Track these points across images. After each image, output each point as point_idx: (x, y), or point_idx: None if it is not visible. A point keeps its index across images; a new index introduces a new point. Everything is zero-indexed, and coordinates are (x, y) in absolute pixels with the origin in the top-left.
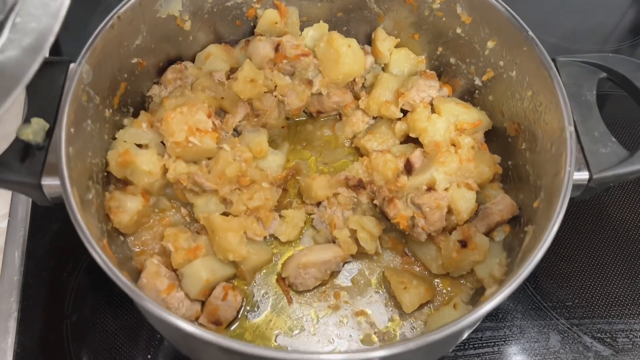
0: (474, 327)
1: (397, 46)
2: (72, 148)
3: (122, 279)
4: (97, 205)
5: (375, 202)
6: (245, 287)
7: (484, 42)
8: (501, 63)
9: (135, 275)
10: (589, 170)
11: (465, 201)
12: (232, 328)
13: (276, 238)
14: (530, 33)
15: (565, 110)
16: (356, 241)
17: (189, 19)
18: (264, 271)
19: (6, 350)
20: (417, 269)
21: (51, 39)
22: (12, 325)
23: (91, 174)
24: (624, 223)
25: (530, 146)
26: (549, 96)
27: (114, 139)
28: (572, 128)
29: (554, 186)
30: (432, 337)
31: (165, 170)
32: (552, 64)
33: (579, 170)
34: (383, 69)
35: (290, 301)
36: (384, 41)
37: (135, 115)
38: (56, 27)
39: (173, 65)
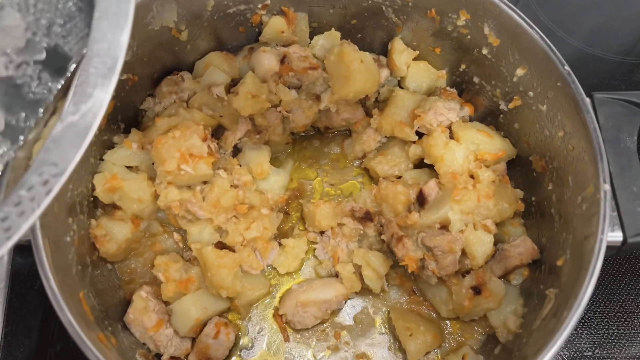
0: None
1: (415, 59)
2: None
3: (90, 348)
4: (78, 241)
5: (383, 237)
6: (240, 322)
7: (512, 68)
8: (531, 94)
9: (123, 305)
10: (624, 232)
11: (481, 245)
12: None
13: (275, 268)
14: (567, 67)
15: (602, 166)
16: (360, 277)
17: (185, 29)
18: (261, 305)
19: None
20: (425, 310)
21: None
22: None
23: (73, 206)
24: None
25: (557, 189)
26: (583, 143)
27: (102, 160)
28: (608, 187)
29: (583, 251)
30: None
31: (156, 195)
32: (589, 106)
33: (612, 230)
34: (399, 83)
35: (287, 339)
36: (402, 53)
37: (127, 130)
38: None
39: (169, 77)
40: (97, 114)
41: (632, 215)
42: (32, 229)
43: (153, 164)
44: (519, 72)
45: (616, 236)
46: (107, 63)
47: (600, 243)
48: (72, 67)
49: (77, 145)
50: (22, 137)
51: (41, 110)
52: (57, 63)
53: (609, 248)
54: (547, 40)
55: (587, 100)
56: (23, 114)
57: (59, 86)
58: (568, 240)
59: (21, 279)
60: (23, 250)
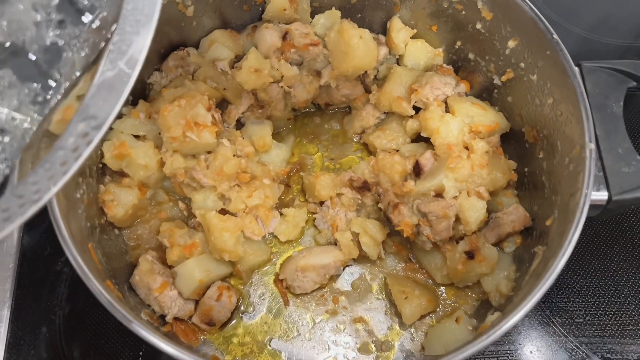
0: None
1: (413, 37)
2: None
3: (99, 289)
4: (87, 201)
5: (380, 205)
6: (241, 287)
7: (505, 41)
8: (522, 65)
9: (129, 269)
10: (609, 191)
11: (474, 211)
12: (226, 329)
13: (276, 237)
14: (555, 36)
15: (587, 126)
16: (358, 245)
17: (191, 4)
18: (262, 271)
19: None
20: (421, 277)
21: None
22: (6, 314)
23: (82, 168)
24: None
25: (547, 156)
26: (571, 107)
27: (111, 129)
28: (593, 146)
29: (568, 207)
30: None
31: (162, 163)
32: (577, 72)
33: (597, 189)
34: (397, 61)
35: (287, 304)
36: (400, 32)
37: (135, 103)
38: (149, 40)
39: (175, 52)
40: (133, 70)
41: (617, 175)
42: None
43: (159, 133)
44: (511, 44)
45: (602, 195)
46: (141, 21)
47: (584, 197)
48: (112, 27)
49: (114, 99)
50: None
51: (77, 72)
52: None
53: (596, 207)
54: (536, 11)
55: (575, 68)
56: (58, 75)
57: (98, 45)
58: (557, 201)
59: (31, 245)
60: (34, 220)
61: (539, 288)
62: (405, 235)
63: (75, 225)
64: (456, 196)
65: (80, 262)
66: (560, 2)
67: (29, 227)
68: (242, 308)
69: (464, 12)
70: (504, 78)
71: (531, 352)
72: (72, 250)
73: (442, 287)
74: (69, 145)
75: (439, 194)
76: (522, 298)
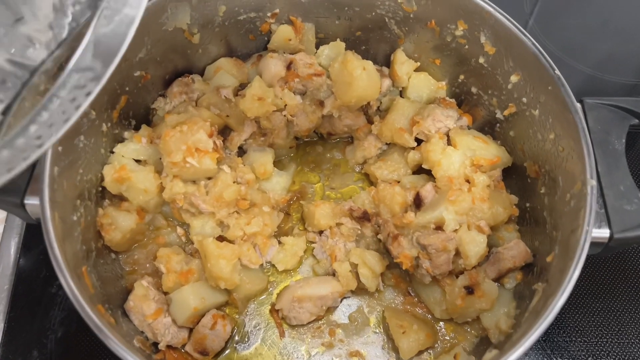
0: None
1: (416, 70)
2: (57, 167)
3: (89, 314)
4: (84, 225)
5: (379, 236)
6: (237, 316)
7: (507, 75)
8: (524, 99)
9: (124, 294)
10: (610, 229)
11: (475, 245)
12: (219, 358)
13: (273, 265)
14: (557, 72)
15: (589, 162)
16: (357, 276)
17: (197, 32)
18: (258, 300)
19: None
20: (420, 311)
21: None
22: None
23: (82, 191)
24: None
25: (549, 192)
26: (572, 143)
27: (112, 152)
28: (594, 182)
29: (569, 244)
30: None
31: (162, 188)
32: (578, 108)
33: (599, 227)
34: (401, 93)
35: (282, 335)
36: (403, 64)
37: (138, 128)
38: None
39: (180, 79)
40: (130, 26)
41: (618, 213)
42: (41, 201)
43: (160, 158)
44: (513, 78)
45: (603, 232)
46: None
47: (585, 234)
48: None
49: (112, 53)
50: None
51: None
52: None
53: (597, 244)
54: (539, 46)
55: (578, 104)
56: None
57: None
58: (557, 237)
59: (27, 267)
60: (31, 242)
61: (538, 325)
62: (404, 268)
63: (70, 248)
64: (456, 229)
65: (72, 286)
66: (564, 40)
67: (25, 249)
68: (236, 338)
69: (467, 47)
70: (506, 112)
71: None
72: (65, 273)
73: (441, 322)
74: (66, 97)
75: (439, 227)
76: (521, 335)
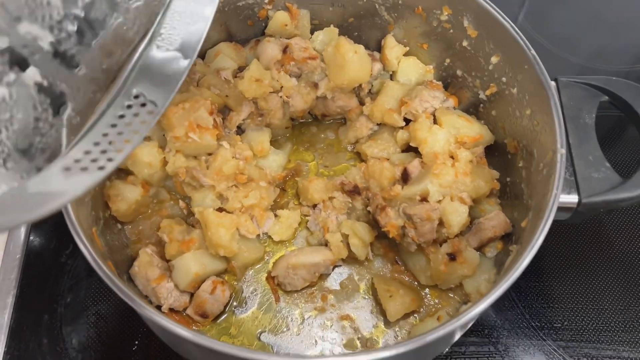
0: (453, 342)
1: (406, 55)
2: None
3: (101, 266)
4: (93, 193)
5: (369, 208)
6: (235, 283)
7: (488, 57)
8: (504, 79)
9: (130, 262)
10: (579, 195)
11: (457, 215)
12: (219, 322)
13: (270, 237)
14: (533, 52)
15: (559, 132)
16: (348, 246)
17: None
18: (255, 268)
19: (2, 325)
20: (407, 279)
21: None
22: (10, 302)
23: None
24: (624, 248)
25: (526, 165)
26: (545, 117)
27: None
28: (564, 151)
29: (541, 208)
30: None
31: (165, 163)
32: (551, 84)
33: (569, 193)
34: (391, 77)
35: (277, 300)
36: (393, 49)
37: None
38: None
39: None
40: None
41: (587, 180)
42: None
43: (164, 135)
44: (494, 59)
45: (573, 198)
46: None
47: (554, 197)
48: None
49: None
50: None
51: None
52: None
53: (567, 209)
54: (516, 28)
55: (552, 83)
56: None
57: None
58: (532, 205)
59: (38, 238)
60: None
61: (506, 279)
62: (391, 236)
63: (82, 212)
64: (440, 200)
65: (85, 242)
66: (554, 34)
67: (36, 223)
68: (234, 303)
69: (451, 31)
70: (488, 92)
71: (510, 354)
72: (78, 230)
73: (426, 289)
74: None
75: (424, 199)
76: (492, 289)
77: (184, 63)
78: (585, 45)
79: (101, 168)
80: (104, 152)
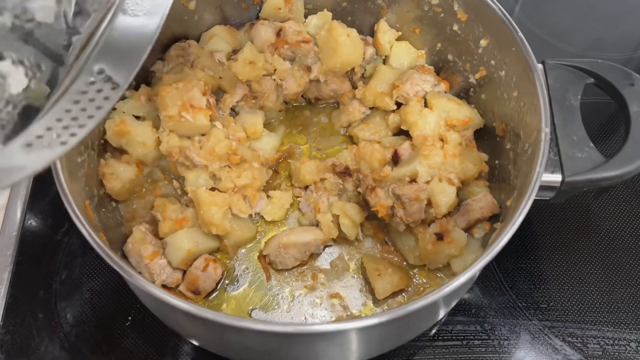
0: (437, 318)
1: (398, 39)
2: None
3: (93, 237)
4: (87, 170)
5: (359, 189)
6: (227, 261)
7: (477, 40)
8: (493, 62)
9: (124, 239)
10: (562, 174)
11: (445, 195)
12: (210, 298)
13: (262, 217)
14: (520, 34)
15: (544, 113)
16: (338, 226)
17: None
18: (247, 247)
19: None
20: (396, 259)
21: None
22: (6, 277)
23: (85, 140)
24: (610, 231)
25: (513, 146)
26: (531, 98)
27: (114, 109)
28: (548, 130)
29: (524, 186)
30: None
31: (159, 142)
32: (537, 66)
33: (553, 172)
34: (384, 61)
35: (268, 278)
36: (385, 33)
37: (138, 88)
38: None
39: (177, 43)
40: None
41: (570, 160)
42: None
43: (158, 115)
44: (483, 43)
45: (557, 177)
46: None
47: (537, 175)
48: None
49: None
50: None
51: None
52: None
53: (551, 188)
54: (504, 11)
55: (539, 65)
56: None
57: None
58: (517, 184)
59: (35, 216)
60: (39, 192)
61: (488, 253)
62: (380, 216)
63: (76, 184)
64: (428, 181)
65: (77, 212)
66: (551, 25)
67: (32, 198)
68: (226, 281)
69: (442, 15)
70: (477, 76)
71: (496, 333)
72: (70, 199)
73: (415, 269)
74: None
75: (413, 180)
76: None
77: (151, 28)
78: (581, 35)
79: (63, 143)
80: (66, 127)
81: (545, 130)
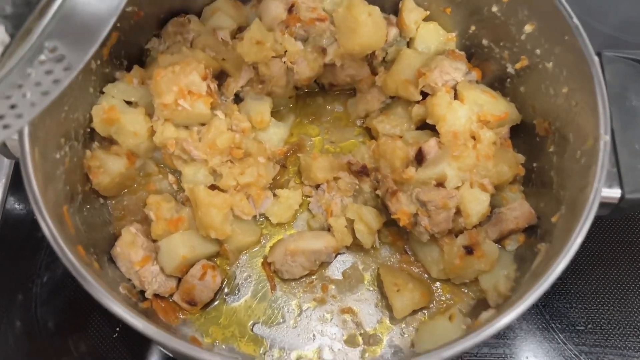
0: None
1: (425, 19)
2: None
3: (67, 254)
4: (69, 165)
5: (377, 192)
6: (228, 268)
7: (521, 25)
8: (538, 51)
9: (112, 240)
10: (622, 189)
11: (477, 203)
12: (208, 309)
13: (267, 218)
14: (575, 20)
15: (603, 117)
16: (352, 232)
17: None
18: (250, 252)
19: None
20: (416, 270)
21: None
22: None
23: (67, 130)
24: None
25: (558, 150)
26: (586, 96)
27: (102, 92)
28: (608, 138)
29: (577, 202)
30: None
31: (152, 132)
32: (596, 59)
33: (610, 186)
34: (408, 44)
35: (273, 288)
36: (412, 12)
37: (130, 68)
38: None
39: (175, 18)
40: None
41: (631, 172)
42: (20, 135)
43: (152, 100)
44: (527, 28)
45: (614, 192)
46: None
47: (595, 192)
48: None
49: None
50: None
51: None
52: None
53: (607, 205)
54: None
55: (595, 57)
56: None
57: None
58: (564, 197)
59: (14, 213)
60: (19, 187)
61: (538, 286)
62: (401, 225)
63: (52, 187)
64: (458, 187)
65: (49, 222)
66: (582, 2)
67: (13, 190)
68: (226, 290)
69: None
70: (517, 66)
71: (527, 358)
72: (41, 206)
73: (437, 283)
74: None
75: (440, 184)
76: (519, 297)
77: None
78: (612, 13)
79: None
80: (1, 117)
81: (605, 138)
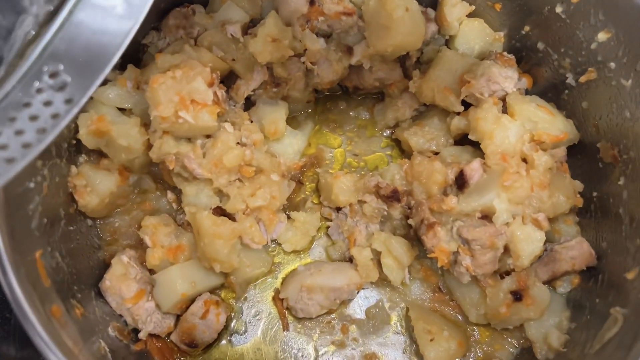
0: None
1: (470, 15)
2: None
3: (32, 324)
4: (48, 191)
5: (410, 221)
6: (234, 302)
7: (592, 32)
8: (612, 65)
9: (101, 269)
10: None
11: (529, 243)
12: (211, 350)
13: (280, 245)
14: None
15: None
16: (379, 266)
17: None
18: (260, 284)
19: None
20: (450, 311)
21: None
22: None
23: (47, 147)
24: None
25: (630, 185)
26: None
27: (91, 98)
28: None
29: None
30: None
31: (149, 145)
32: None
33: None
34: (447, 43)
35: (286, 328)
36: (454, 7)
37: (124, 67)
38: None
39: (178, 8)
40: None
41: None
42: None
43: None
44: (601, 36)
45: None
46: None
47: None
48: None
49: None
50: None
51: None
52: None
53: None
54: None
55: None
56: None
57: None
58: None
59: None
60: None
61: None
62: (439, 265)
63: (20, 227)
64: (508, 223)
65: (13, 282)
66: None
67: None
68: (232, 327)
69: None
70: (582, 79)
71: None
72: (4, 261)
73: (475, 327)
74: None
75: (486, 216)
76: None
77: (127, 25)
78: None
79: None
80: None
81: None
